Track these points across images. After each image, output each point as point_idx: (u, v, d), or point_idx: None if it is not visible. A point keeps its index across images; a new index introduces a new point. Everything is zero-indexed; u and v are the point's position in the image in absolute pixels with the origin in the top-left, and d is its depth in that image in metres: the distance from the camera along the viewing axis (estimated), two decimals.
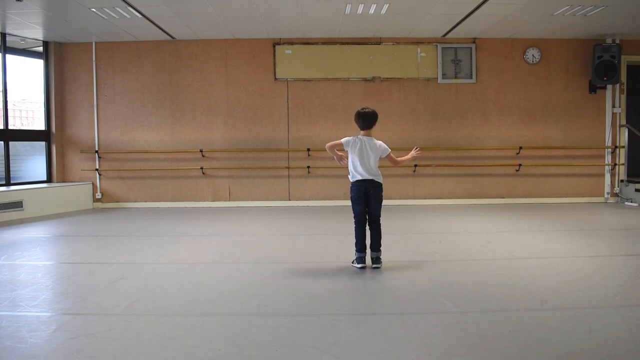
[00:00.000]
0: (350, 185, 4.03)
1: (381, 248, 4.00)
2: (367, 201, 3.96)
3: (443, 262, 4.13)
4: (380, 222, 4.03)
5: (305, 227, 6.04)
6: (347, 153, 4.05)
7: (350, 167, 4.02)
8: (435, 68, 8.00)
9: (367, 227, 4.02)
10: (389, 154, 4.03)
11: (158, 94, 8.06)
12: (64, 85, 8.08)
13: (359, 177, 3.94)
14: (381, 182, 3.99)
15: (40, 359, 2.33)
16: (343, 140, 4.03)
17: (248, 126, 8.04)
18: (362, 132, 4.04)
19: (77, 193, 7.87)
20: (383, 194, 4.01)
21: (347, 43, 7.97)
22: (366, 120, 4.01)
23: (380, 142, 4.01)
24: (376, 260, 3.97)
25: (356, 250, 3.96)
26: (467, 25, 7.25)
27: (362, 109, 4.06)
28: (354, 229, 4.01)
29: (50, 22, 6.82)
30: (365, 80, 8.01)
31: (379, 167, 4.04)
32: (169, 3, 6.13)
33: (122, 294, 3.32)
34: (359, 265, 3.92)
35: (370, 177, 3.93)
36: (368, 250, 4.00)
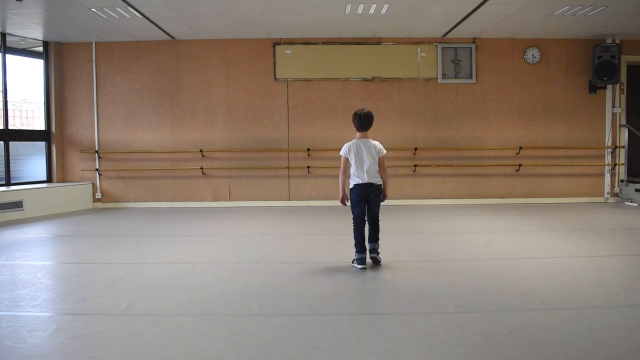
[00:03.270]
0: (350, 188, 4.02)
1: (379, 242, 4.03)
2: (367, 203, 3.98)
3: (443, 262, 4.13)
4: (379, 218, 4.06)
5: (305, 227, 6.04)
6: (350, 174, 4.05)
7: (351, 172, 4.01)
8: (435, 68, 8.01)
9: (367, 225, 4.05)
10: (382, 156, 4.01)
11: (158, 94, 8.06)
12: (64, 85, 8.08)
13: (359, 181, 3.93)
14: (381, 183, 3.99)
15: (40, 359, 2.33)
16: (342, 152, 4.03)
17: (248, 126, 8.04)
18: (358, 134, 4.02)
19: (77, 193, 7.88)
20: (383, 195, 4.02)
21: (347, 43, 7.97)
22: (363, 121, 3.98)
23: (377, 142, 4.02)
24: (373, 251, 3.98)
25: (356, 252, 3.96)
26: (467, 25, 7.25)
27: (360, 110, 4.03)
28: (352, 229, 4.01)
29: (50, 22, 6.82)
30: (365, 80, 8.01)
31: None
32: (169, 3, 6.13)
33: (122, 294, 3.32)
34: (360, 266, 3.92)
35: (369, 181, 3.91)
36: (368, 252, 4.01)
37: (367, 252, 3.99)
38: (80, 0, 5.93)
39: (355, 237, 3.96)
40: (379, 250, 4.02)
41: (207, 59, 8.02)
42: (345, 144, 4.02)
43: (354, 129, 4.05)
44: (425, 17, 6.82)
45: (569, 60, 8.07)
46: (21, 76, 7.93)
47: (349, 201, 4.04)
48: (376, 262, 3.99)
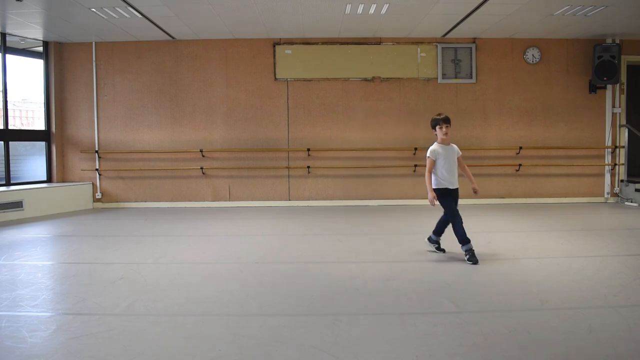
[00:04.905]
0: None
1: (433, 235, 4.51)
2: None
3: (443, 262, 4.13)
4: (445, 217, 4.44)
5: (305, 227, 6.04)
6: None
7: None
8: (435, 68, 8.00)
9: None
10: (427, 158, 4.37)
11: (158, 94, 8.06)
12: (64, 85, 8.08)
13: None
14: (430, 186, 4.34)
15: (40, 359, 2.33)
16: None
17: (248, 126, 8.04)
18: None
19: (77, 193, 7.88)
20: (437, 196, 4.35)
21: (347, 43, 7.97)
22: None
23: (431, 147, 4.40)
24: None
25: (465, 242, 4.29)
26: (467, 25, 7.25)
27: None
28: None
29: (50, 22, 6.82)
30: (365, 80, 8.01)
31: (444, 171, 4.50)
32: (169, 3, 6.13)
33: (122, 294, 3.33)
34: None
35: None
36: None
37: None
38: (80, 0, 5.93)
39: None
40: (431, 239, 4.54)
41: (207, 59, 8.02)
42: None
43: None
44: (425, 17, 6.82)
45: (569, 60, 8.07)
46: (21, 76, 7.93)
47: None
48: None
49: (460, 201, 7.99)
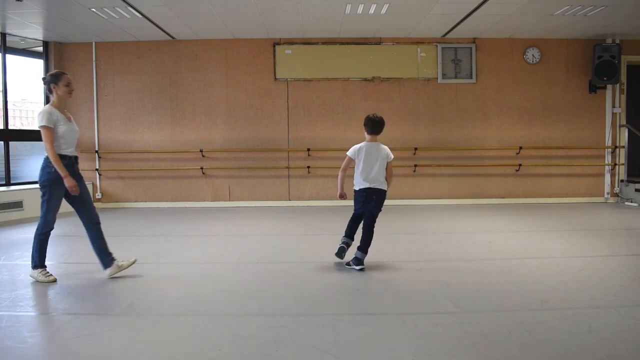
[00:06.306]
0: (355, 189, 3.97)
1: (366, 252, 3.87)
2: (368, 204, 3.93)
3: (443, 262, 4.13)
4: (375, 224, 3.96)
5: (305, 227, 6.04)
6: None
7: (357, 174, 3.95)
8: (435, 68, 8.00)
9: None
10: (390, 161, 3.97)
11: (158, 94, 8.06)
12: None
13: (364, 186, 3.89)
14: (385, 189, 3.95)
15: (40, 359, 2.33)
16: (349, 152, 3.97)
17: (248, 126, 8.04)
18: (368, 136, 3.98)
19: None
20: (385, 200, 3.96)
21: (347, 43, 7.97)
22: (376, 125, 3.95)
23: (386, 147, 3.98)
24: (355, 261, 3.85)
25: (343, 236, 4.00)
26: (467, 25, 7.25)
27: (372, 114, 3.99)
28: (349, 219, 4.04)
29: (50, 22, 6.82)
30: (365, 80, 8.01)
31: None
32: (169, 3, 6.13)
33: (122, 293, 3.33)
34: (338, 254, 3.91)
35: (374, 186, 3.87)
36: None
37: (351, 252, 3.96)
38: (80, 0, 5.93)
39: (348, 225, 4.04)
40: (362, 261, 3.84)
41: (207, 59, 8.02)
42: (355, 145, 3.97)
43: (365, 132, 4.00)
44: (425, 17, 6.82)
45: (569, 60, 8.07)
46: (21, 76, 7.93)
47: (347, 198, 4.08)
48: (350, 267, 3.91)
49: (460, 201, 8.09)
